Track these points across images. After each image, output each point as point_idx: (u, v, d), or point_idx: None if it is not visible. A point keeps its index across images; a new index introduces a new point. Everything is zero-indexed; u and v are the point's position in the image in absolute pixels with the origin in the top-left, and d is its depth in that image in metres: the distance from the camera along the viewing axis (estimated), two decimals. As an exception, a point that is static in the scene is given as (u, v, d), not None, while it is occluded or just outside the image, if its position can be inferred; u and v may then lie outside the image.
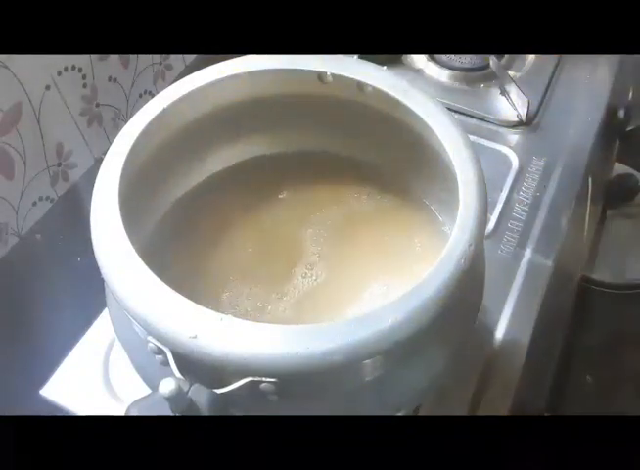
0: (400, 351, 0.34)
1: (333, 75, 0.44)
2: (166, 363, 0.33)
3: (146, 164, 0.43)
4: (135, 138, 0.40)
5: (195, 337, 0.32)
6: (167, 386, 0.30)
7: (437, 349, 0.39)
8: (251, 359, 0.31)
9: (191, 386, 0.31)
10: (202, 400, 0.31)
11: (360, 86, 0.43)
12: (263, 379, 0.32)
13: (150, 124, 0.41)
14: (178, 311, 0.33)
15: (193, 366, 0.32)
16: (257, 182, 0.51)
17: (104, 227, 0.36)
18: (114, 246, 0.35)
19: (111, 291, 0.35)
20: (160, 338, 0.33)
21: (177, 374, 0.32)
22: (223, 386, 0.32)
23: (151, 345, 0.33)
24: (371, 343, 0.32)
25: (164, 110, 0.42)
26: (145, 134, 0.40)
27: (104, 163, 0.39)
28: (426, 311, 0.33)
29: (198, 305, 0.33)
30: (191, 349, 0.32)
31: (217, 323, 0.32)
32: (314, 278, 0.46)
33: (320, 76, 0.44)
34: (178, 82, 0.43)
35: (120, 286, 0.34)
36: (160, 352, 0.33)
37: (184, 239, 0.47)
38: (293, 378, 0.33)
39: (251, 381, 0.32)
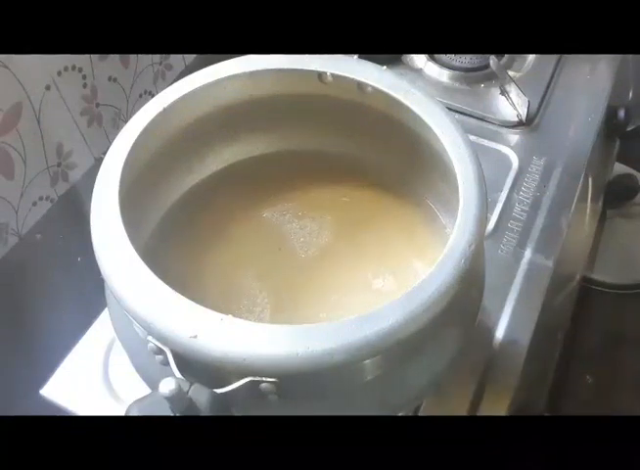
0: (400, 350, 0.34)
1: (333, 75, 0.44)
2: (166, 363, 0.33)
3: (146, 164, 0.43)
4: (135, 138, 0.40)
5: (195, 337, 0.32)
6: (167, 386, 0.30)
7: (438, 349, 0.39)
8: (251, 359, 0.31)
9: (191, 386, 0.31)
10: (202, 400, 0.31)
11: (360, 86, 0.43)
12: (263, 379, 0.32)
13: (150, 124, 0.41)
14: (178, 311, 0.33)
15: (193, 366, 0.32)
16: (257, 182, 0.51)
17: (104, 227, 0.36)
18: (115, 246, 0.35)
19: (111, 291, 0.35)
20: (159, 338, 0.33)
21: (177, 374, 0.32)
22: (223, 386, 0.32)
23: (151, 345, 0.33)
24: (371, 343, 0.32)
25: (164, 110, 0.42)
26: (145, 134, 0.40)
27: (104, 163, 0.39)
28: (426, 311, 0.33)
29: (198, 305, 0.33)
30: (191, 349, 0.32)
31: (217, 323, 0.32)
32: (315, 278, 0.46)
33: (320, 76, 0.44)
34: (178, 82, 0.43)
35: (120, 286, 0.34)
36: (160, 352, 0.33)
37: (184, 238, 0.47)
38: (293, 378, 0.33)
39: (251, 381, 0.32)
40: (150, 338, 0.33)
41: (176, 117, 0.43)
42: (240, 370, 0.32)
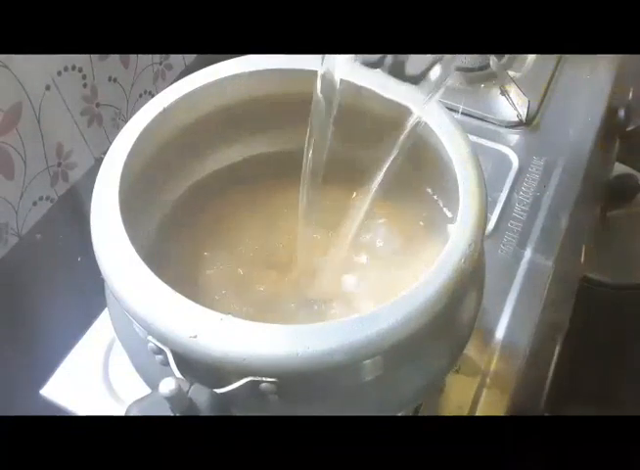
0: (401, 350, 0.34)
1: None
2: (166, 363, 0.33)
3: (146, 165, 0.42)
4: (135, 138, 0.40)
5: (195, 337, 0.32)
6: (167, 386, 0.30)
7: (438, 349, 0.39)
8: (251, 359, 0.31)
9: (191, 386, 0.31)
10: (202, 400, 0.31)
11: (359, 86, 0.43)
12: (263, 379, 0.32)
13: (150, 124, 0.41)
14: (178, 311, 0.33)
15: (193, 366, 0.32)
16: (258, 181, 0.50)
17: (104, 227, 0.36)
18: (115, 246, 0.35)
19: (111, 291, 0.35)
20: (160, 338, 0.33)
21: (177, 374, 0.32)
22: (223, 386, 0.32)
23: (151, 345, 0.33)
24: (371, 343, 0.32)
25: (164, 110, 0.42)
26: (145, 134, 0.40)
27: (104, 163, 0.39)
28: (426, 312, 0.33)
29: (198, 305, 0.33)
30: (191, 349, 0.32)
31: (217, 323, 0.32)
32: (314, 278, 0.46)
33: None
34: (178, 82, 0.43)
35: (120, 286, 0.34)
36: (160, 351, 0.33)
37: (184, 238, 0.47)
38: (293, 378, 0.33)
39: (251, 381, 0.32)
40: (150, 338, 0.33)
41: (176, 117, 0.43)
42: (240, 370, 0.32)
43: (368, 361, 0.34)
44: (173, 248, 0.46)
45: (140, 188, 0.42)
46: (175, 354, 0.33)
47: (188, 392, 0.31)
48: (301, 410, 0.36)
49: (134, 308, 0.33)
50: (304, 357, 0.31)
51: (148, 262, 0.34)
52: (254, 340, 0.32)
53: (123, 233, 0.35)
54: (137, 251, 0.35)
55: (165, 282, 0.34)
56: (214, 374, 0.33)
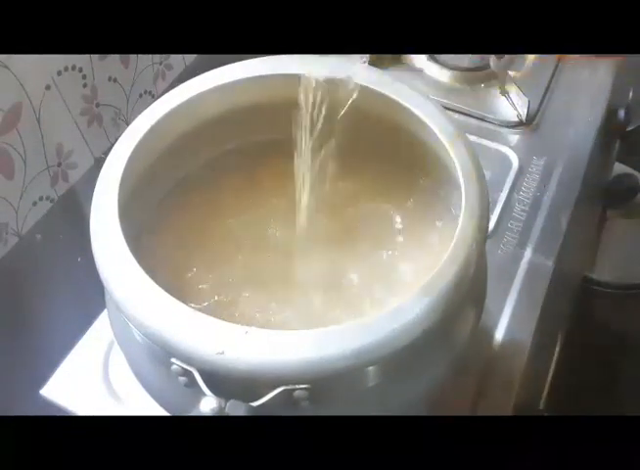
0: (426, 340, 0.34)
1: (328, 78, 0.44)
2: (192, 384, 0.32)
3: (145, 172, 0.42)
4: (135, 145, 0.40)
5: (222, 353, 0.31)
6: (208, 405, 0.30)
7: (450, 343, 0.40)
8: (283, 368, 0.31)
9: (227, 402, 0.31)
10: (240, 415, 0.31)
11: (362, 87, 0.43)
12: (296, 386, 0.31)
13: (150, 131, 0.41)
14: (201, 329, 0.32)
15: (224, 382, 0.32)
16: (260, 181, 0.50)
17: (107, 248, 0.36)
18: (122, 271, 0.35)
19: (125, 317, 0.34)
20: (184, 359, 0.32)
21: (207, 393, 0.32)
22: (255, 398, 0.32)
23: (175, 367, 0.32)
24: (399, 336, 0.32)
25: (165, 115, 0.42)
26: (145, 140, 0.40)
27: (102, 172, 0.39)
28: (439, 306, 0.33)
29: (220, 320, 0.32)
30: (219, 365, 0.31)
31: (242, 336, 0.32)
32: (314, 274, 0.46)
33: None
34: (181, 86, 0.43)
35: (136, 311, 0.33)
36: (185, 373, 0.32)
37: (183, 244, 0.47)
38: (325, 382, 0.32)
39: (284, 390, 0.31)
40: (174, 360, 0.32)
41: (177, 122, 0.43)
42: (272, 380, 0.31)
43: (400, 353, 0.34)
44: (174, 251, 0.46)
45: (140, 193, 0.42)
46: (203, 373, 0.32)
47: (225, 408, 0.31)
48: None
49: (154, 332, 0.32)
50: (337, 359, 0.31)
51: (148, 271, 0.34)
52: (283, 348, 0.31)
53: (126, 248, 0.35)
54: (136, 252, 0.35)
55: (165, 287, 0.33)
56: (246, 388, 0.33)
